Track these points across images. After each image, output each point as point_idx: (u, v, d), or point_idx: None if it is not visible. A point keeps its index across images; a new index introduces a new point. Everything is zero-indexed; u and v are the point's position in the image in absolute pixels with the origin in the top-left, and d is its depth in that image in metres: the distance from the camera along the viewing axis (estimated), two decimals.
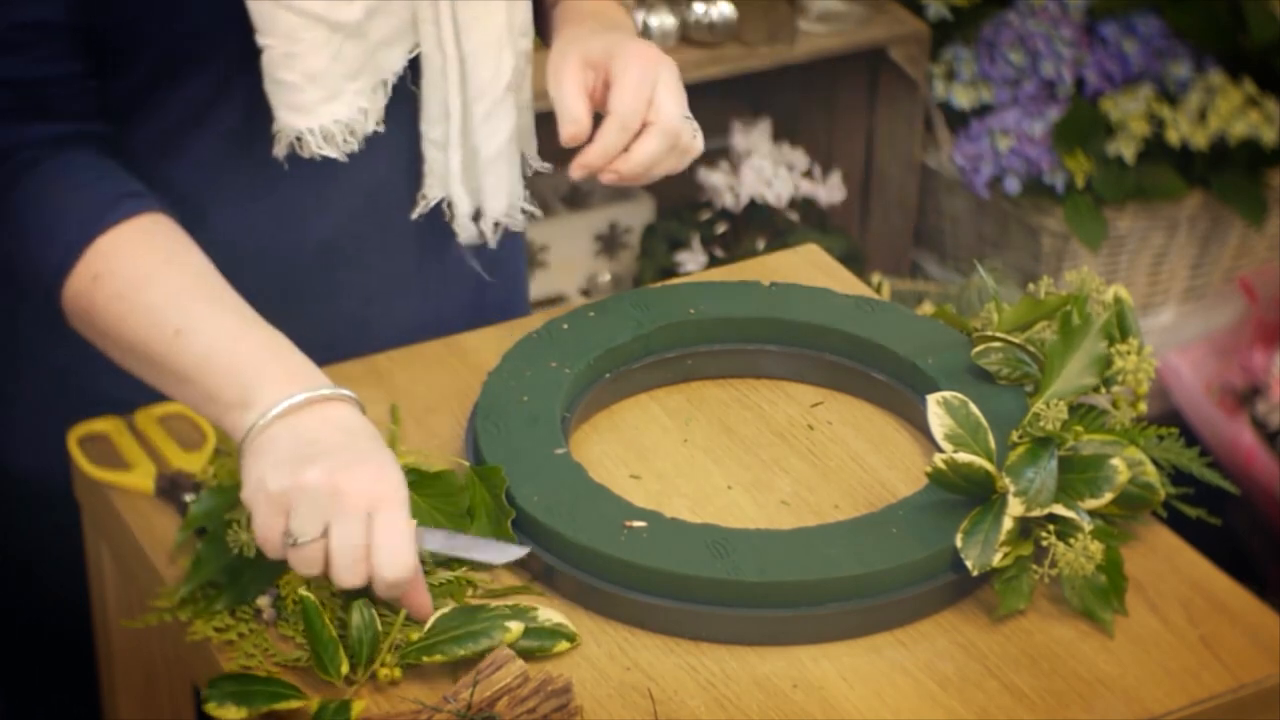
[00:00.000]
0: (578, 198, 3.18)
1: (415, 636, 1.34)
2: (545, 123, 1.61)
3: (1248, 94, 3.02)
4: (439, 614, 1.35)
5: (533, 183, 1.68)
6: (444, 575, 1.41)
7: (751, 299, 1.64)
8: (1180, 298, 3.20)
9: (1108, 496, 1.41)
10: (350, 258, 1.63)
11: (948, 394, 1.45)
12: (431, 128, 1.59)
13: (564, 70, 1.55)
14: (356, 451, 1.34)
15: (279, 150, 1.53)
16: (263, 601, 1.39)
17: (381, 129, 1.55)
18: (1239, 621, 1.40)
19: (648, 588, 1.38)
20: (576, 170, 1.53)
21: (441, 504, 1.44)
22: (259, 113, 1.51)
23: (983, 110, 3.10)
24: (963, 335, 1.60)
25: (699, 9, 2.96)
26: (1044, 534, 1.40)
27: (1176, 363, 3.07)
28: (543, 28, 1.69)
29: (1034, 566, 1.39)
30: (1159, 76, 3.06)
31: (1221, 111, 2.98)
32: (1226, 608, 1.41)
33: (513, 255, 1.74)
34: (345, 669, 1.33)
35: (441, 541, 1.40)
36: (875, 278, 3.01)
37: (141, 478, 1.51)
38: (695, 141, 1.57)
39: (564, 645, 1.36)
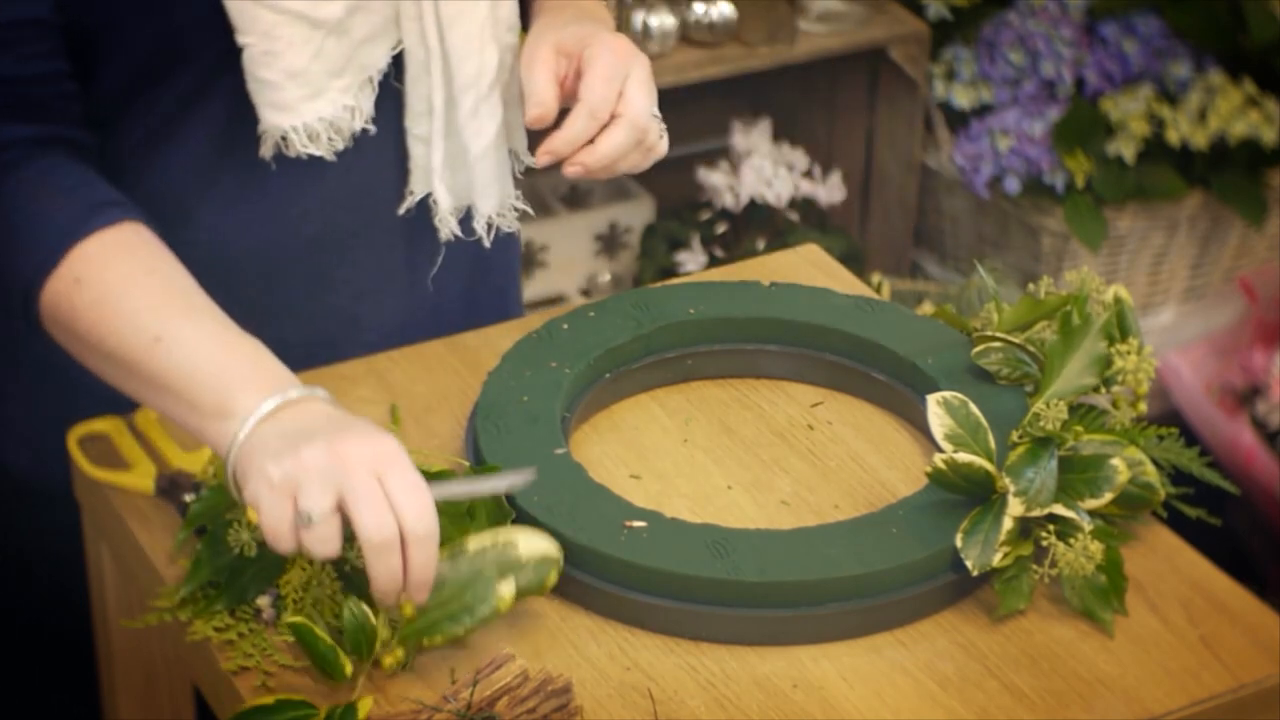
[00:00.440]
0: (577, 198, 3.18)
1: (409, 611, 1.34)
2: None
3: (1248, 94, 3.02)
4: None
5: (532, 183, 1.68)
6: None
7: (751, 299, 1.64)
8: (1180, 298, 3.20)
9: (1108, 496, 1.41)
10: (340, 254, 1.62)
11: (948, 394, 1.45)
12: (416, 123, 1.58)
13: (536, 55, 1.55)
14: (346, 424, 1.35)
15: (265, 150, 1.52)
16: (263, 601, 1.39)
17: (372, 128, 1.55)
18: (1239, 621, 1.40)
19: (648, 588, 1.38)
20: (542, 156, 1.52)
21: (441, 504, 1.43)
22: (244, 112, 1.51)
23: (983, 110, 3.10)
24: (963, 335, 1.60)
25: (699, 9, 2.96)
26: (1044, 534, 1.40)
27: (1176, 363, 3.07)
28: (526, 22, 1.69)
29: (1034, 566, 1.39)
30: (1159, 76, 3.06)
31: (1221, 111, 2.98)
32: (1226, 608, 1.41)
33: (505, 251, 1.74)
34: (349, 669, 1.33)
35: (452, 489, 1.39)
36: (875, 278, 3.01)
37: (141, 478, 1.51)
38: (661, 142, 1.57)
39: (554, 576, 1.36)
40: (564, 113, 1.55)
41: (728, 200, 3.04)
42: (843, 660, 1.36)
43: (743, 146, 3.09)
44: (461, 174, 1.60)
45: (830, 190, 3.08)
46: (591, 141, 1.53)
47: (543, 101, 1.53)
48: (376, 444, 1.33)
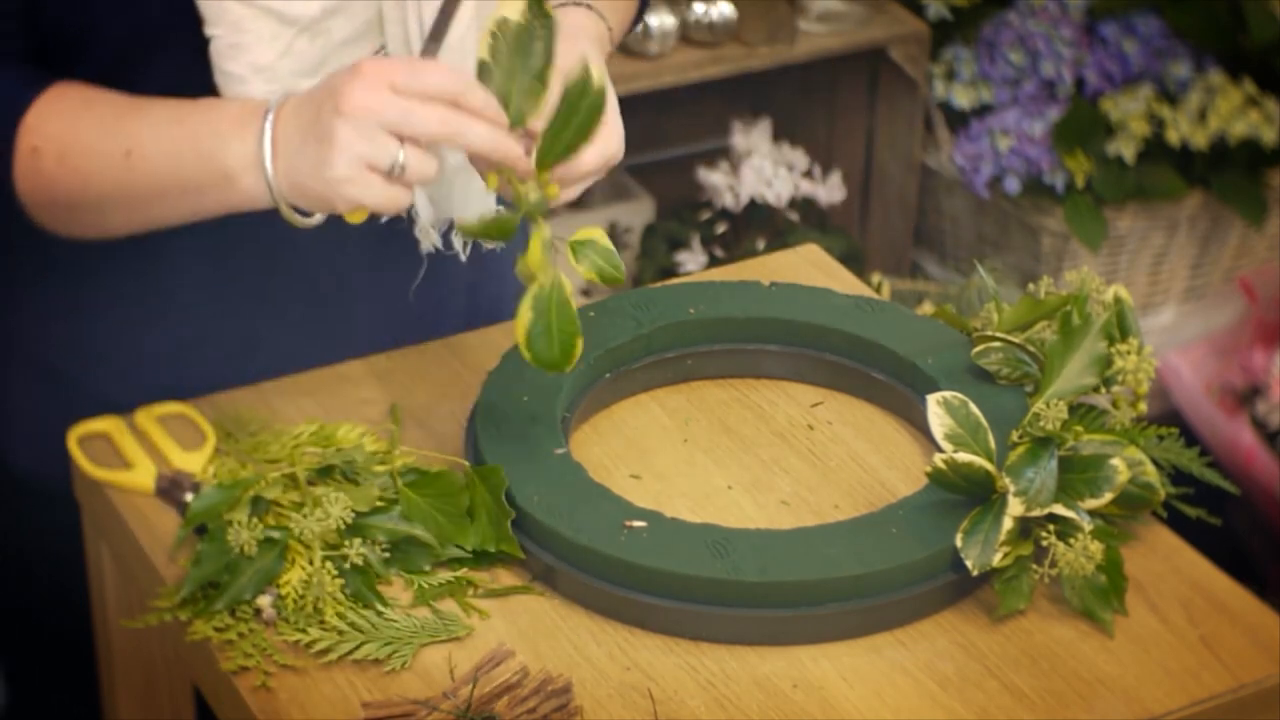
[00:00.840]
0: (577, 198, 3.17)
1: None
2: None
3: (1248, 94, 3.02)
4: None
5: None
6: (444, 575, 1.41)
7: (751, 299, 1.64)
8: (1180, 298, 3.20)
9: (1108, 496, 1.41)
10: (330, 255, 1.61)
11: (948, 394, 1.45)
12: None
13: None
14: (328, 87, 1.37)
15: None
16: (263, 601, 1.39)
17: None
18: (1239, 621, 1.40)
19: (648, 588, 1.38)
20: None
21: (441, 504, 1.44)
22: None
23: (983, 110, 3.10)
24: (963, 335, 1.60)
25: (699, 9, 2.96)
26: (1044, 534, 1.40)
27: (1176, 363, 3.07)
28: None
29: (1034, 566, 1.40)
30: (1159, 76, 3.06)
31: (1221, 111, 2.99)
32: (1226, 608, 1.42)
33: (502, 254, 1.73)
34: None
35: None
36: (875, 278, 3.01)
37: (141, 477, 1.51)
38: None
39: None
40: None
41: (728, 200, 3.04)
42: (843, 660, 1.36)
43: (743, 146, 3.09)
44: (442, 185, 1.58)
45: (830, 190, 3.08)
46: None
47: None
48: (364, 76, 1.35)
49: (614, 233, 3.14)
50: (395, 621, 1.38)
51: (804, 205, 3.08)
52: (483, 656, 1.34)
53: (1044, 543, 1.40)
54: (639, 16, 1.71)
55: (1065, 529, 1.40)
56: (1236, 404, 2.98)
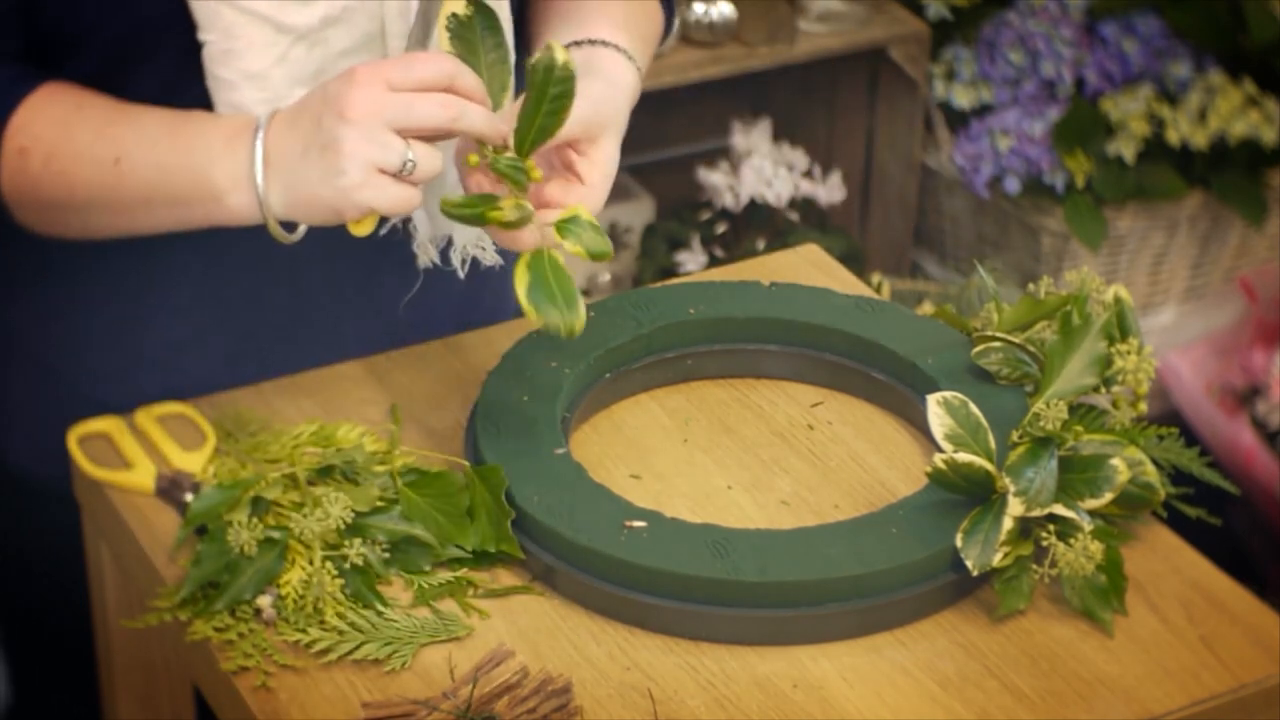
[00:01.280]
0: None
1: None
2: None
3: (1248, 94, 3.02)
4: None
5: None
6: (444, 575, 1.41)
7: (751, 299, 1.64)
8: (1180, 298, 3.20)
9: (1108, 496, 1.41)
10: (325, 259, 1.61)
11: (948, 394, 1.45)
12: None
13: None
14: (323, 97, 1.38)
15: None
16: (263, 601, 1.39)
17: None
18: (1239, 621, 1.40)
19: (648, 588, 1.38)
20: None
21: (441, 504, 1.44)
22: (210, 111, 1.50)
23: (983, 110, 3.10)
24: (963, 335, 1.60)
25: (699, 9, 2.96)
26: (1044, 534, 1.40)
27: (1176, 363, 3.07)
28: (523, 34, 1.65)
29: (1034, 566, 1.40)
30: (1159, 76, 3.06)
31: (1221, 111, 2.98)
32: (1226, 608, 1.42)
33: (499, 272, 1.72)
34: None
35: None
36: (875, 278, 3.01)
37: (141, 477, 1.51)
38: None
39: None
40: None
41: (728, 200, 3.04)
42: (843, 660, 1.36)
43: (743, 146, 3.09)
44: (439, 201, 1.57)
45: (830, 190, 3.08)
46: None
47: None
48: (360, 80, 1.36)
49: (614, 233, 3.14)
50: (395, 621, 1.38)
51: (804, 205, 3.08)
52: (483, 656, 1.35)
53: (1044, 543, 1.40)
54: (663, 37, 1.72)
55: (1065, 529, 1.40)
56: (1236, 404, 2.98)
